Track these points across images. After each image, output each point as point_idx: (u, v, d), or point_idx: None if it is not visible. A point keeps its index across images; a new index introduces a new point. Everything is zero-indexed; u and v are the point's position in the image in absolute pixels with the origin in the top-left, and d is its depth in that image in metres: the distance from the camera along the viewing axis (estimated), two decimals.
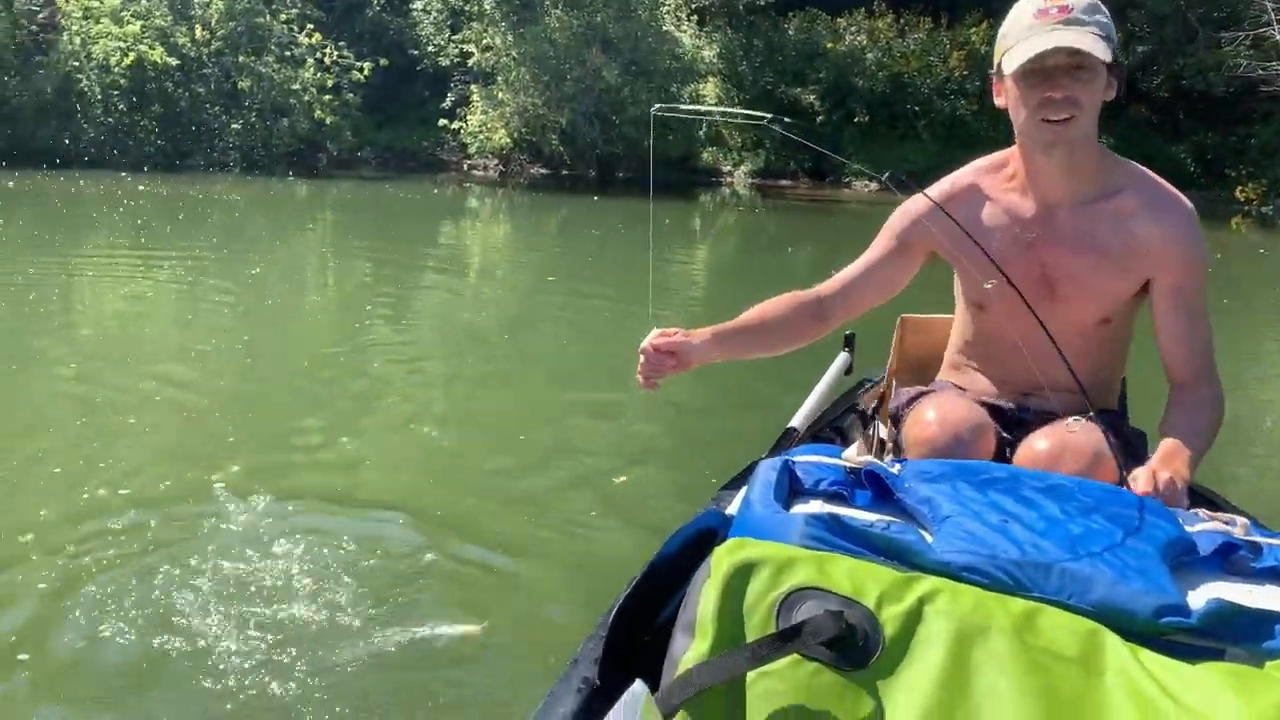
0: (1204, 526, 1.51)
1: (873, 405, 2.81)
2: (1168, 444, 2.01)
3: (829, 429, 2.84)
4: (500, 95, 22.82)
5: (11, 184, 16.63)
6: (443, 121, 24.10)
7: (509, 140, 23.34)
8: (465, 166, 25.00)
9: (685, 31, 24.78)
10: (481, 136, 23.64)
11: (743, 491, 1.60)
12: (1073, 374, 1.91)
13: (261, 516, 3.74)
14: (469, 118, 23.74)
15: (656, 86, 22.81)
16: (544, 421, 5.25)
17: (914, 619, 1.17)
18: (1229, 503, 2.29)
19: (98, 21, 21.60)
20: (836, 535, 1.34)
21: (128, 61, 21.33)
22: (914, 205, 2.28)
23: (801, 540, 1.32)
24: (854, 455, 1.71)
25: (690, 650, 1.18)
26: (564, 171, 23.89)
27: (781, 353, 2.32)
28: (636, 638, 1.39)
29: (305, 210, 15.35)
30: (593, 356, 6.69)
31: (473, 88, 23.66)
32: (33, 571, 3.30)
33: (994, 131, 26.11)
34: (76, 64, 21.41)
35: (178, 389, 5.44)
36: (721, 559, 1.23)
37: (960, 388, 2.34)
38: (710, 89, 23.40)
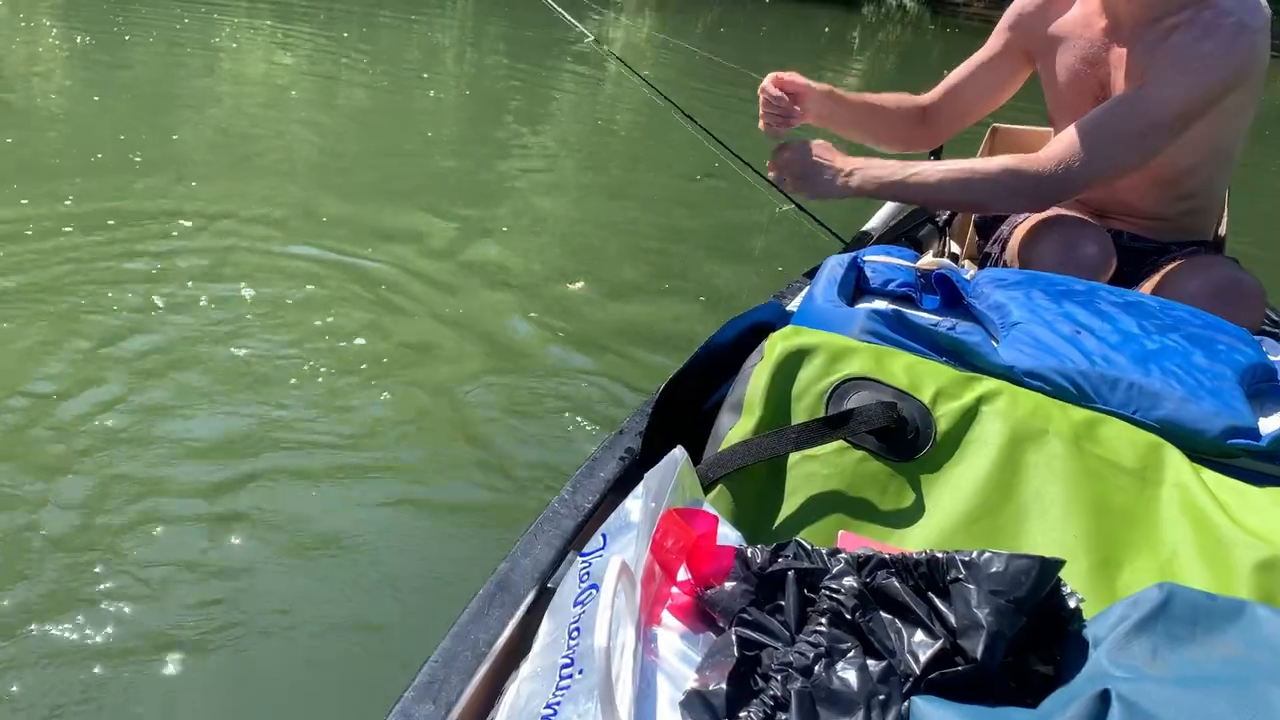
0: None
1: (948, 215, 2.76)
2: (895, 162, 2.06)
3: (904, 237, 2.74)
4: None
5: None
6: None
7: None
8: None
9: None
10: None
11: (807, 288, 1.58)
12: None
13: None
14: None
15: None
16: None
17: (969, 417, 1.15)
18: None
19: None
20: (898, 331, 1.33)
21: None
22: (1017, 6, 2.29)
23: (861, 335, 1.31)
24: (928, 259, 1.66)
25: (736, 427, 1.18)
26: None
27: (884, 146, 2.38)
28: (685, 417, 1.38)
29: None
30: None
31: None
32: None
33: None
34: None
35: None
36: (775, 343, 1.23)
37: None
38: None
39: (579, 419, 3.12)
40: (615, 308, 3.98)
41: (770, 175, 2.17)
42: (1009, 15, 2.31)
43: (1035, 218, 2.13)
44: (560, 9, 2.89)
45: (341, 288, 3.79)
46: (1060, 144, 1.98)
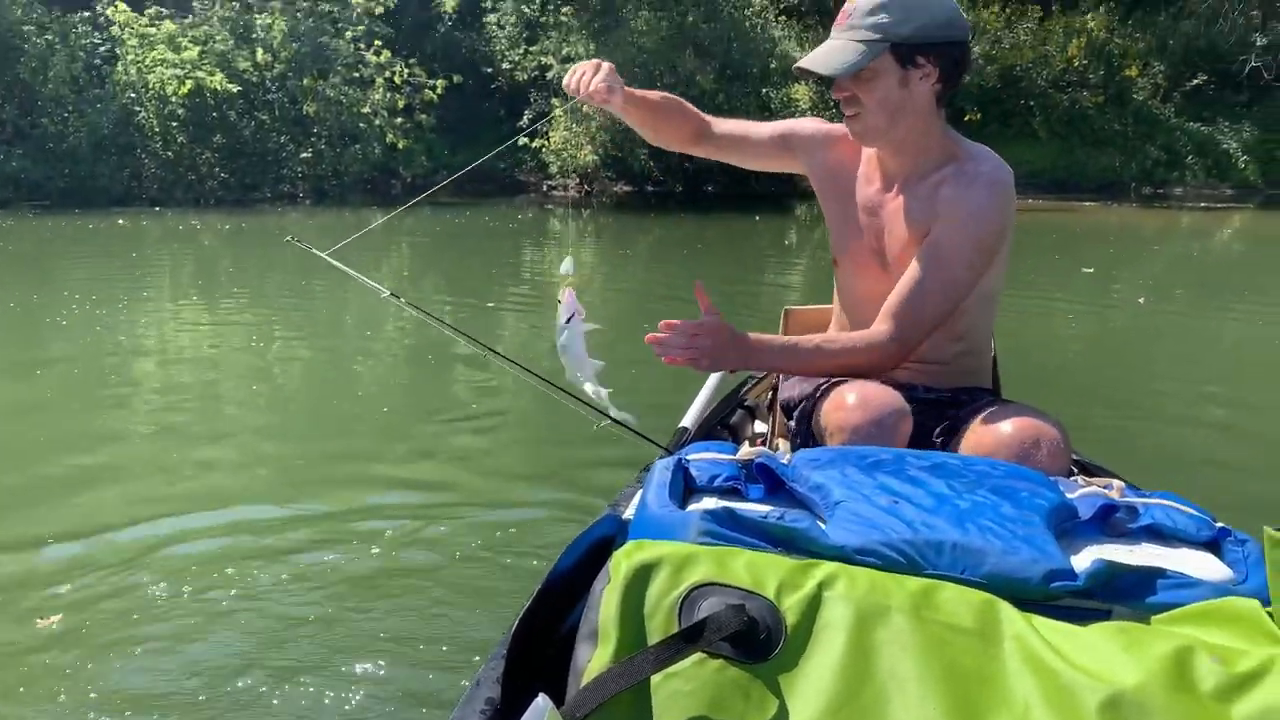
0: (1083, 491, 1.69)
1: (766, 397, 3.02)
2: (779, 338, 2.46)
3: (719, 426, 3.06)
4: (584, 109, 22.98)
5: (74, 225, 17.06)
6: (523, 140, 24.15)
7: (595, 157, 23.48)
8: (545, 187, 25.24)
9: (778, 31, 24.82)
10: (565, 154, 23.81)
11: (639, 495, 1.69)
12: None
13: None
14: (550, 135, 23.84)
15: (752, 91, 22.93)
16: None
17: (814, 605, 1.24)
18: (1103, 467, 2.48)
19: (153, 48, 21.70)
20: (732, 528, 1.44)
21: (185, 90, 21.36)
22: (812, 124, 2.72)
23: (699, 537, 1.42)
24: (746, 450, 1.81)
25: (594, 658, 1.25)
26: (649, 188, 24.05)
27: (658, 139, 2.77)
28: (540, 653, 1.46)
29: (381, 240, 15.58)
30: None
31: (554, 101, 23.65)
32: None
33: (1120, 124, 25.75)
34: (133, 95, 21.53)
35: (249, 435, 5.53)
36: (620, 562, 1.31)
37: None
38: (803, 92, 23.33)
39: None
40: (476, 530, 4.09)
41: (666, 350, 2.30)
42: (801, 123, 2.75)
43: (835, 390, 2.31)
44: (360, 275, 3.12)
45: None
46: (896, 314, 2.37)
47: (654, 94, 2.71)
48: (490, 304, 9.82)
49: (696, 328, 2.28)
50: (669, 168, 23.44)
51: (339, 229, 16.87)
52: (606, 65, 2.53)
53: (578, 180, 24.52)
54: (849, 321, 2.66)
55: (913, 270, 2.36)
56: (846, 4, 2.38)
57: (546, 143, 23.97)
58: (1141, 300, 9.27)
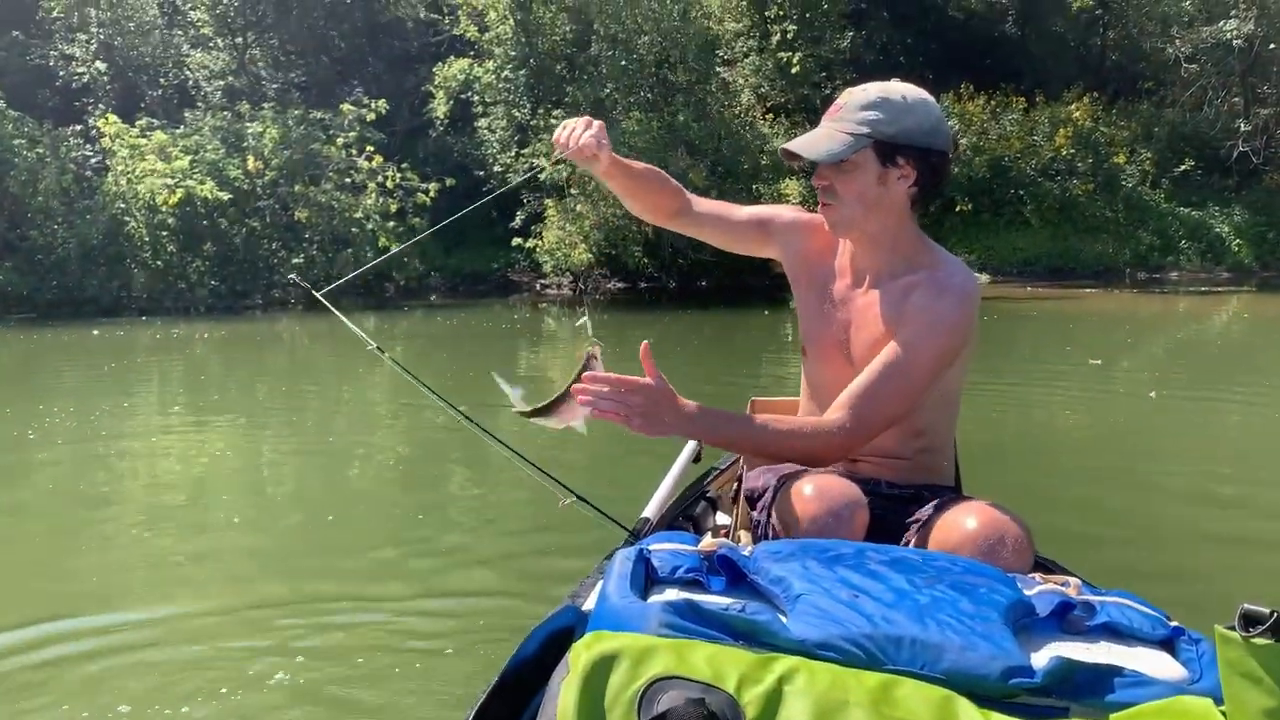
0: (1040, 589, 1.71)
1: (730, 489, 3.06)
2: (724, 411, 2.44)
3: (681, 517, 3.09)
4: (579, 208, 23.20)
5: (64, 337, 17.05)
6: (516, 240, 24.45)
7: (589, 256, 23.63)
8: (538, 286, 25.47)
9: (766, 128, 25.23)
10: (559, 253, 23.94)
11: (599, 585, 1.71)
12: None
13: None
14: (545, 234, 24.02)
15: (744, 187, 23.24)
16: None
17: (774, 700, 1.24)
18: (1059, 565, 2.51)
19: (143, 158, 21.82)
20: (693, 621, 1.44)
21: (175, 199, 21.40)
22: (791, 212, 2.79)
23: (659, 629, 1.42)
24: (708, 541, 1.82)
25: None
26: (642, 284, 24.27)
27: (639, 208, 2.80)
28: None
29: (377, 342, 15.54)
30: None
31: (547, 202, 23.97)
32: None
33: (1112, 210, 26.06)
34: (123, 205, 21.63)
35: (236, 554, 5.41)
36: (579, 653, 1.31)
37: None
38: (794, 188, 23.63)
39: None
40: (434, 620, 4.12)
41: (596, 403, 2.26)
42: (765, 213, 2.81)
43: (795, 482, 2.32)
44: (351, 323, 3.17)
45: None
46: (850, 406, 2.38)
47: (638, 164, 2.76)
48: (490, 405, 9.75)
49: (630, 384, 2.25)
50: (663, 264, 23.69)
51: (333, 335, 16.96)
52: (597, 123, 2.58)
53: (571, 278, 24.73)
54: (814, 410, 2.69)
55: (873, 368, 2.40)
56: (840, 97, 2.48)
57: (540, 242, 24.17)
58: (1153, 394, 9.18)
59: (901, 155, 2.40)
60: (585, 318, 2.49)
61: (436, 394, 3.13)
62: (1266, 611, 1.24)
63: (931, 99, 2.48)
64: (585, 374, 2.24)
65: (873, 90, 2.43)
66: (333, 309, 3.11)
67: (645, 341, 2.34)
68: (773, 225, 2.77)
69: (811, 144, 2.44)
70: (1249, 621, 1.25)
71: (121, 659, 3.83)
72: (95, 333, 17.44)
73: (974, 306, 2.47)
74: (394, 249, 20.04)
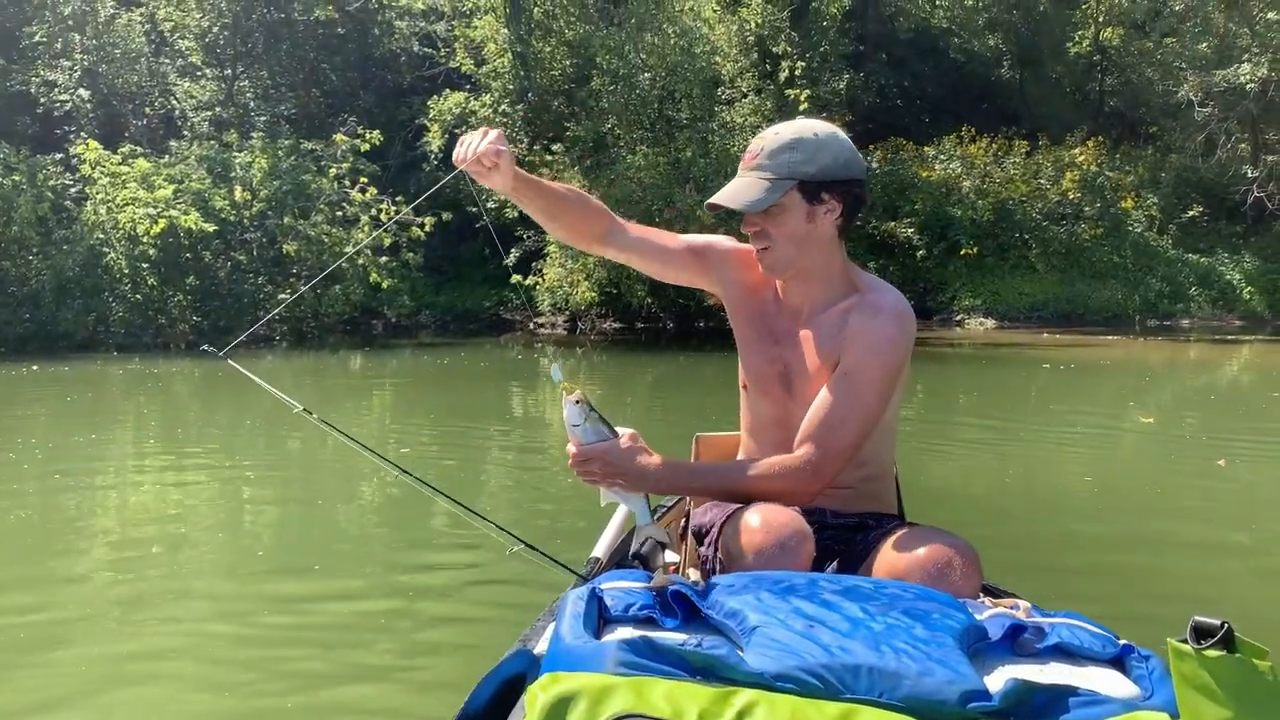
0: (991, 612, 1.76)
1: (678, 526, 3.08)
2: (704, 464, 2.84)
3: (630, 556, 3.05)
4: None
5: (34, 371, 16.05)
6: (516, 278, 23.75)
7: (593, 294, 22.90)
8: (531, 325, 24.80)
9: None
10: (560, 291, 23.23)
11: (551, 627, 1.67)
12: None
13: None
14: (546, 271, 23.28)
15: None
16: None
17: None
18: (1005, 589, 2.46)
19: (124, 186, 20.43)
20: (650, 658, 1.47)
21: (157, 229, 19.98)
22: (728, 243, 2.77)
23: (616, 667, 1.44)
24: (659, 577, 1.79)
25: None
26: (639, 324, 23.66)
27: (554, 230, 2.72)
28: None
29: (360, 383, 14.78)
30: None
31: (547, 238, 23.18)
32: None
33: (1120, 256, 25.42)
34: (101, 235, 20.31)
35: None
36: (535, 695, 1.35)
37: None
38: None
39: None
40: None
41: (579, 468, 2.49)
42: (701, 242, 2.78)
43: (740, 515, 2.31)
44: (267, 384, 2.85)
45: None
46: (812, 439, 2.42)
47: (557, 184, 2.71)
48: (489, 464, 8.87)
49: (583, 455, 2.44)
50: (664, 305, 23.10)
51: (318, 373, 16.12)
52: (495, 131, 2.46)
53: (567, 318, 24.08)
54: (754, 446, 2.75)
55: (826, 398, 2.45)
56: (753, 144, 2.53)
57: (541, 279, 23.45)
58: (1222, 462, 7.92)
59: (825, 191, 2.47)
60: (554, 364, 2.55)
61: (373, 450, 2.95)
62: (1217, 623, 1.32)
63: (840, 131, 2.54)
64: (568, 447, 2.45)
65: (785, 133, 2.49)
66: (242, 369, 2.90)
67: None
68: (709, 254, 2.76)
69: (736, 195, 2.49)
70: (1200, 634, 1.32)
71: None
72: (66, 368, 16.46)
73: (911, 324, 2.53)
74: (384, 286, 19.25)
